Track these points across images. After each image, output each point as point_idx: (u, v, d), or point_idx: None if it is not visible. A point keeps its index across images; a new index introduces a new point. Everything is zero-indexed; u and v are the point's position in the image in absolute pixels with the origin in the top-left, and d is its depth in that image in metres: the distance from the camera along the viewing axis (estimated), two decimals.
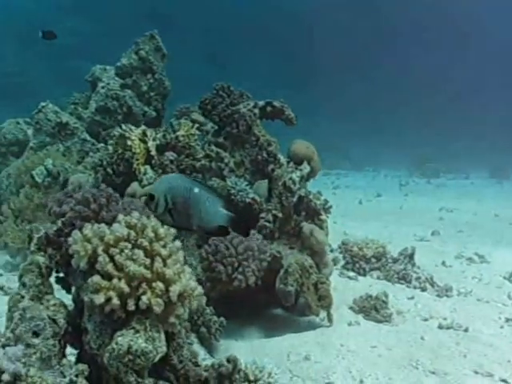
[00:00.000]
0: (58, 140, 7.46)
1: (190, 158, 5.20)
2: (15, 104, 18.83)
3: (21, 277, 3.04)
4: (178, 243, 2.73)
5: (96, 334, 2.70)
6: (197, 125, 5.51)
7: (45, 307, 2.88)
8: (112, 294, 2.53)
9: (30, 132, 7.88)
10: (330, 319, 4.80)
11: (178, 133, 5.34)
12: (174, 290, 2.55)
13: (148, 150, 5.31)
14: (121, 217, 2.76)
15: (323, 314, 4.84)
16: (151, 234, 2.67)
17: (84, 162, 6.96)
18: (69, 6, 25.06)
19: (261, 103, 5.34)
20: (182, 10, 26.85)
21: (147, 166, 5.28)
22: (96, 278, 2.55)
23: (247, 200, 4.95)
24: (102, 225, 2.72)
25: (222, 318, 4.26)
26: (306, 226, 5.10)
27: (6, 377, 2.49)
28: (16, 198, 6.80)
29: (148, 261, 2.59)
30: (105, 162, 5.55)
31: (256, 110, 5.26)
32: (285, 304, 4.75)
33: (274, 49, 27.77)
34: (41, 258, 3.01)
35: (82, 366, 2.66)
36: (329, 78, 26.99)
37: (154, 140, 5.38)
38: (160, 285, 2.54)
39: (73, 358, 2.86)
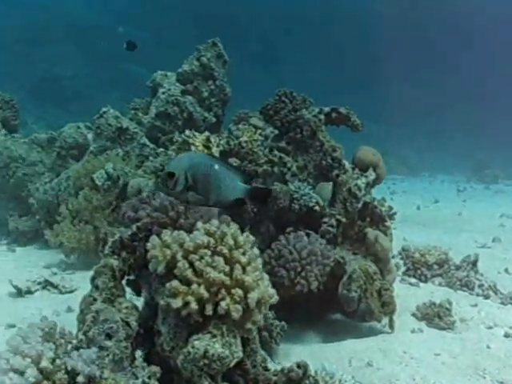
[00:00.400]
0: (117, 144, 7.64)
1: (252, 164, 5.29)
2: (70, 107, 19.23)
3: (93, 279, 3.16)
4: (256, 250, 2.82)
5: (170, 336, 2.80)
6: (259, 130, 5.62)
7: (117, 310, 2.99)
8: (190, 298, 2.63)
9: (89, 136, 8.07)
10: (391, 326, 4.83)
11: (240, 139, 5.44)
12: (253, 296, 2.64)
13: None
14: (200, 224, 2.86)
15: (385, 320, 4.88)
16: (231, 242, 2.76)
17: (144, 166, 7.10)
18: (124, 12, 25.43)
19: (326, 109, 5.41)
20: (236, 13, 27.05)
21: None
22: (175, 283, 2.66)
23: (310, 204, 5.02)
24: (182, 232, 2.82)
25: (283, 323, 4.32)
26: (371, 232, 5.15)
27: (80, 379, 2.59)
28: (74, 200, 7.02)
29: (227, 268, 2.68)
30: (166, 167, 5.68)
31: (321, 116, 5.32)
32: (347, 310, 4.79)
33: (327, 53, 27.78)
34: (114, 262, 3.13)
35: (155, 368, 2.77)
36: (383, 83, 26.88)
37: (217, 146, 5.50)
38: (239, 291, 2.63)
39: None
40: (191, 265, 2.69)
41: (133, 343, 2.87)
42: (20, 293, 5.79)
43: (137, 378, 2.74)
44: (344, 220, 5.09)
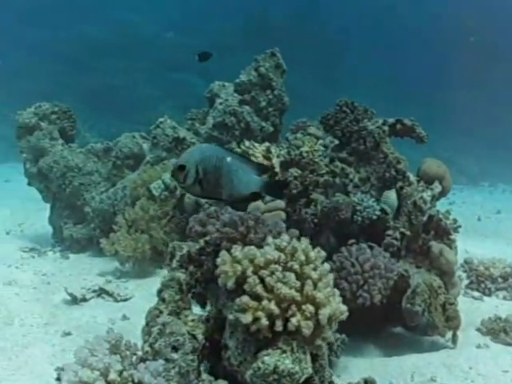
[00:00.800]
0: (174, 154, 7.73)
1: (313, 174, 5.33)
2: (124, 117, 19.49)
3: (160, 292, 3.22)
4: (327, 265, 2.84)
5: (238, 351, 2.83)
6: (320, 141, 5.65)
7: (183, 322, 3.04)
8: (261, 314, 2.67)
9: (145, 146, 8.18)
10: (455, 341, 4.82)
11: (301, 149, 5.49)
12: (324, 313, 2.66)
13: (272, 167, 5.48)
14: (270, 239, 2.90)
15: (448, 334, 4.86)
16: (302, 257, 2.78)
17: None
18: (174, 20, 25.70)
19: (390, 120, 5.42)
20: (291, 23, 27.11)
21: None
22: (245, 299, 2.69)
23: (373, 217, 5.04)
24: (252, 247, 2.86)
25: (343, 335, 4.35)
26: (436, 246, 5.15)
27: None
28: (131, 209, 7.14)
29: (298, 283, 2.70)
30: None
31: (385, 128, 5.34)
32: (410, 324, 4.80)
33: (384, 59, 27.66)
34: (181, 275, 3.19)
35: (222, 382, 2.81)
36: (441, 91, 26.61)
37: (277, 156, 5.55)
38: (310, 307, 2.65)
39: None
40: (262, 280, 2.72)
41: (199, 356, 2.92)
42: (75, 300, 5.90)
43: None
44: (408, 233, 5.10)
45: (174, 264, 3.27)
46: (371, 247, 4.83)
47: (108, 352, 2.84)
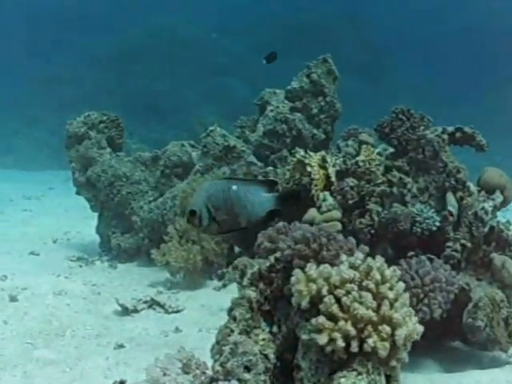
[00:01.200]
0: (224, 163, 7.76)
1: (370, 184, 5.33)
2: (163, 122, 19.61)
3: (231, 310, 3.22)
4: (402, 284, 2.82)
5: (311, 372, 2.80)
6: (377, 150, 5.66)
7: (254, 341, 3.04)
8: (337, 335, 2.64)
9: (194, 155, 8.23)
10: None
11: (357, 158, 5.49)
12: (401, 334, 2.62)
13: (328, 176, 5.49)
14: (344, 257, 2.89)
15: (511, 350, 4.80)
16: (377, 276, 2.76)
17: None
18: (220, 25, 25.76)
19: (450, 129, 5.40)
20: (338, 25, 26.99)
21: (326, 193, 5.46)
22: (321, 319, 2.67)
23: (433, 228, 5.02)
24: (327, 265, 2.85)
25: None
26: (498, 258, 5.10)
27: None
28: (182, 220, 7.11)
29: (375, 304, 2.69)
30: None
31: (445, 136, 5.33)
32: (471, 339, 4.76)
33: (435, 61, 27.40)
34: (252, 293, 3.18)
35: None
36: (491, 92, 26.29)
37: (333, 166, 5.56)
38: (387, 328, 2.61)
39: None
40: (337, 300, 2.71)
41: (271, 377, 2.92)
42: (126, 311, 5.96)
43: None
44: (469, 245, 5.06)
45: (245, 282, 3.26)
46: (431, 260, 4.80)
47: (180, 371, 2.85)
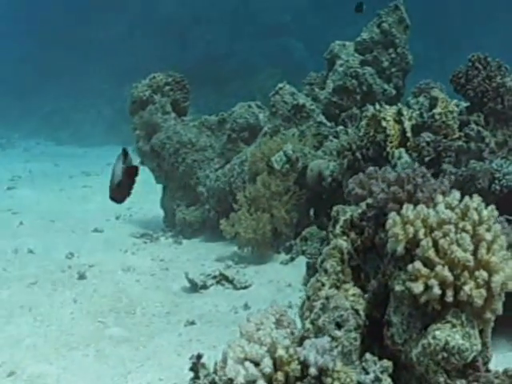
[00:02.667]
0: (293, 124, 7.78)
1: (447, 139, 5.31)
2: (221, 89, 19.57)
3: (322, 262, 3.23)
4: (499, 226, 2.75)
5: (403, 327, 2.81)
6: (454, 100, 5.63)
7: (344, 297, 3.06)
8: (433, 282, 2.61)
9: (261, 116, 8.26)
10: None
11: (434, 110, 5.48)
12: (498, 280, 2.59)
13: (404, 132, 5.48)
14: (441, 198, 2.84)
15: None
16: (475, 217, 2.69)
17: (324, 146, 7.22)
18: None
19: None
20: None
21: (402, 149, 5.48)
22: (418, 265, 2.62)
23: None
24: (423, 206, 2.82)
25: None
26: None
27: (313, 370, 2.61)
28: (252, 186, 7.30)
29: (472, 246, 2.64)
30: (354, 146, 5.80)
31: None
32: None
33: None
34: (344, 243, 3.18)
35: (387, 363, 2.75)
36: None
37: (409, 119, 5.54)
38: (484, 274, 2.56)
39: None
40: (435, 243, 2.68)
41: (362, 334, 2.92)
42: (195, 287, 6.16)
43: (367, 373, 2.76)
44: None
45: (337, 230, 3.25)
46: (510, 221, 4.74)
47: (274, 326, 2.88)
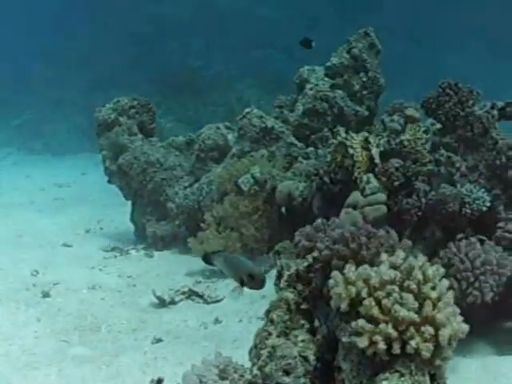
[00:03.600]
0: (262, 145, 7.79)
1: (416, 164, 5.34)
2: (199, 98, 19.54)
3: (268, 313, 3.29)
4: (446, 282, 2.81)
5: (353, 373, 2.85)
6: (423, 127, 5.66)
7: (293, 343, 3.09)
8: (378, 338, 2.68)
9: (230, 137, 8.28)
10: None
11: (402, 137, 5.51)
12: (445, 334, 2.62)
13: (371, 158, 5.51)
14: (384, 257, 2.90)
15: None
16: (419, 276, 2.77)
17: (293, 168, 7.23)
18: None
19: (500, 104, 5.40)
20: None
21: (370, 175, 5.49)
22: (361, 322, 2.68)
23: (484, 209, 5.03)
24: (366, 266, 2.87)
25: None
26: None
27: None
28: (220, 206, 7.28)
29: (417, 304, 2.69)
30: (321, 172, 5.81)
31: (494, 112, 5.32)
32: None
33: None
34: (290, 295, 3.25)
35: None
36: None
37: (377, 146, 5.58)
38: (429, 329, 2.61)
39: None
40: (378, 302, 2.72)
41: (311, 379, 2.96)
42: (164, 303, 6.07)
43: None
44: None
45: (282, 284, 3.33)
46: (482, 241, 4.82)
47: (217, 378, 2.90)
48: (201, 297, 6.19)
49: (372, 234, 3.23)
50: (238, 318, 5.71)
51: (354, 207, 5.36)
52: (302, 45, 8.09)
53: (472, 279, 4.55)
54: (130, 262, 7.75)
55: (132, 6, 24.83)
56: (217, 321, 5.62)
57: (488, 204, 5.06)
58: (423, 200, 5.18)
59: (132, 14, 24.86)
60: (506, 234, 4.97)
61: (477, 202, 5.06)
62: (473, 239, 4.80)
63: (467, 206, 5.06)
